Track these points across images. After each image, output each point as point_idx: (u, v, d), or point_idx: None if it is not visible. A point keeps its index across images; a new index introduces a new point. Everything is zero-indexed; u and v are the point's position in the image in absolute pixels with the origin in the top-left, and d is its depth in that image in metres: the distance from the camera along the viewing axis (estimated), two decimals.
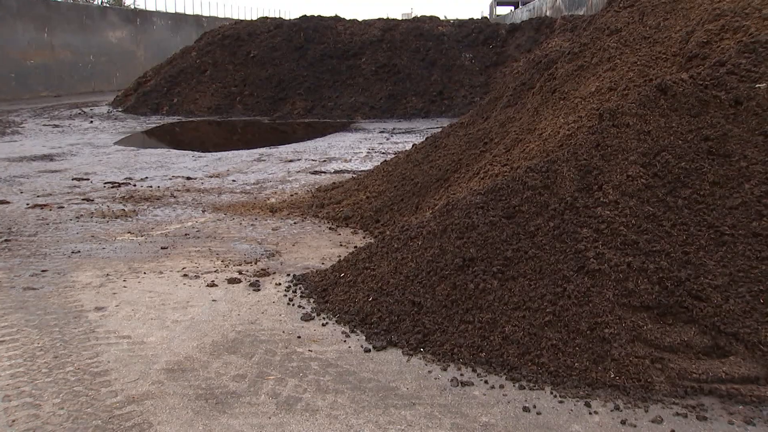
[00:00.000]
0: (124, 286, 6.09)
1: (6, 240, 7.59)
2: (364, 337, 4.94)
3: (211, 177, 12.04)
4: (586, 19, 14.58)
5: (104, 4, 47.45)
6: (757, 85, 5.34)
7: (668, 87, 5.49)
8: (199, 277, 6.34)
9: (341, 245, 7.51)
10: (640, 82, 6.66)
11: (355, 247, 7.07)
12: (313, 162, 13.90)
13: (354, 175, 11.33)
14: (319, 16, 28.27)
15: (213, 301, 5.73)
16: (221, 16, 55.96)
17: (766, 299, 4.40)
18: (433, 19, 28.42)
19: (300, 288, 5.98)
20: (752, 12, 6.47)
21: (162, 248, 7.33)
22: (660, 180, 5.05)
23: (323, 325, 5.21)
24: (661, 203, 4.94)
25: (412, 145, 10.69)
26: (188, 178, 11.84)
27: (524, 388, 4.19)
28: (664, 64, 6.85)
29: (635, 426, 3.79)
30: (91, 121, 21.60)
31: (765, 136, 5.14)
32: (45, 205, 9.42)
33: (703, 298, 4.45)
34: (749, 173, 4.98)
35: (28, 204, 9.51)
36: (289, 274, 6.41)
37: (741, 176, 4.98)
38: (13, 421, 3.84)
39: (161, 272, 6.48)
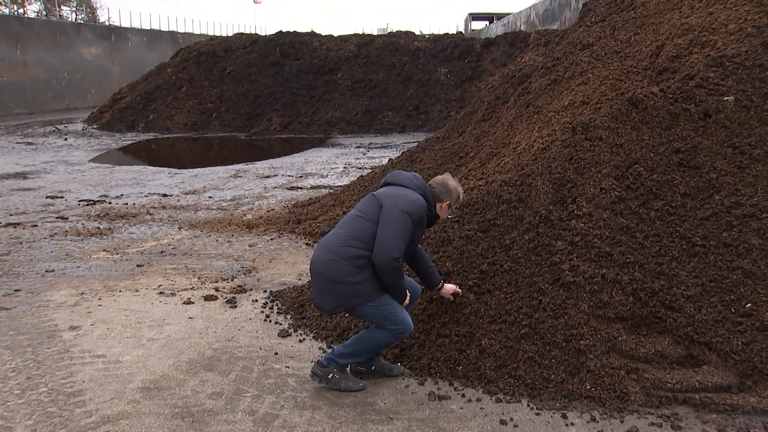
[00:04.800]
0: (100, 305, 6.03)
1: None
2: None
3: (188, 194, 11.98)
4: (559, 33, 14.76)
5: (79, 21, 47.20)
6: (725, 98, 5.45)
7: (639, 100, 5.58)
8: (175, 294, 6.30)
9: None
10: (612, 96, 6.75)
11: None
12: (290, 178, 13.88)
13: (331, 191, 11.34)
14: (295, 32, 28.34)
15: (189, 318, 5.69)
16: (197, 32, 55.84)
17: (738, 308, 4.46)
18: (408, 35, 28.60)
19: (277, 304, 5.97)
20: (719, 27, 6.60)
21: (138, 266, 7.27)
22: (633, 192, 5.12)
23: (300, 341, 5.20)
24: (634, 215, 5.01)
25: (389, 160, 10.73)
26: (164, 195, 11.77)
27: (501, 401, 4.21)
28: (635, 78, 6.96)
29: None
30: (66, 139, 21.41)
31: (733, 148, 5.23)
32: (18, 224, 9.31)
33: (677, 309, 4.50)
34: (719, 184, 5.06)
35: (0, 223, 9.39)
36: (265, 291, 6.39)
37: (711, 188, 5.06)
38: None
39: (137, 290, 6.43)
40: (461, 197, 4.53)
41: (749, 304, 4.46)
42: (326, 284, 4.16)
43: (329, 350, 4.60)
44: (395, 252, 4.01)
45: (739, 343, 4.31)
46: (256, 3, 69.21)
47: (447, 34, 30.79)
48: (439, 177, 4.49)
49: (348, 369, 4.46)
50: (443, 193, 4.38)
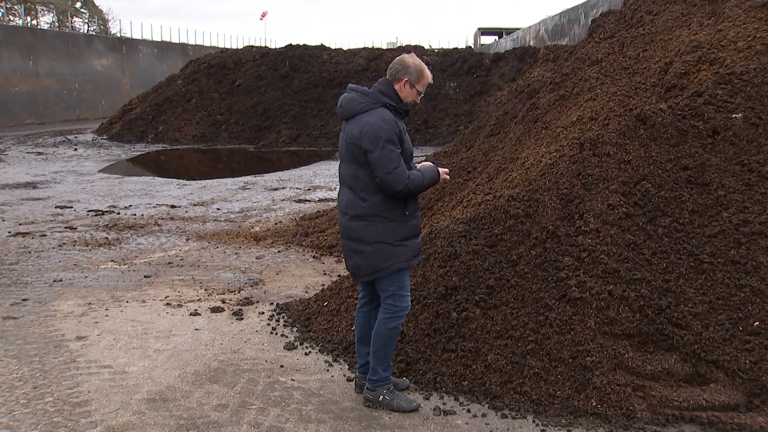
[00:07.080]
0: (106, 315, 6.05)
1: None
2: (347, 366, 4.93)
3: (196, 205, 12.02)
4: (567, 49, 14.80)
5: (90, 33, 47.58)
6: (733, 116, 5.44)
7: (648, 117, 5.58)
8: (182, 305, 6.31)
9: (325, 274, 7.51)
10: (620, 112, 6.76)
11: (339, 275, 7.07)
12: (298, 190, 13.92)
13: None
14: (305, 45, 28.51)
15: (196, 330, 5.70)
16: (207, 44, 56.20)
17: (746, 327, 4.44)
18: (417, 49, 28.72)
19: (283, 317, 5.97)
20: (728, 44, 6.61)
21: (145, 277, 7.29)
22: (640, 209, 5.11)
23: (306, 354, 5.20)
24: (642, 232, 5.00)
25: None
26: (173, 206, 11.81)
27: (506, 417, 4.19)
28: (644, 94, 6.97)
29: None
30: (76, 149, 21.55)
31: (742, 165, 5.22)
32: (27, 233, 9.36)
33: (684, 326, 4.48)
34: (727, 202, 5.05)
35: (9, 232, 9.45)
36: (272, 303, 6.40)
37: (719, 205, 5.05)
38: None
39: (144, 301, 6.45)
40: (426, 74, 4.30)
41: (757, 323, 4.44)
42: (362, 248, 4.16)
43: (360, 376, 4.55)
44: (398, 185, 4.03)
45: (747, 362, 4.28)
46: (261, 19, 69.91)
47: (456, 48, 30.93)
48: (397, 57, 4.34)
49: (396, 389, 4.43)
50: (399, 71, 4.22)
